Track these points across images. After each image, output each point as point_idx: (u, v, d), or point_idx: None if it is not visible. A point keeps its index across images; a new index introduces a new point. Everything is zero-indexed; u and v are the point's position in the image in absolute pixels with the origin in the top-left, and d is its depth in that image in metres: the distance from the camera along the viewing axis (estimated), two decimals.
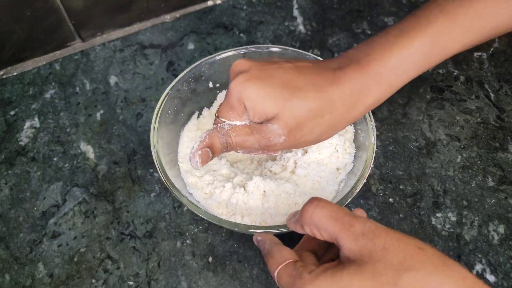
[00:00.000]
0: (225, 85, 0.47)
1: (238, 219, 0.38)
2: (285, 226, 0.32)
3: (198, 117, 0.46)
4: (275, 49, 0.44)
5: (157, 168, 0.37)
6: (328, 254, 0.31)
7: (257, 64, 0.34)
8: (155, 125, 0.39)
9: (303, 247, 0.32)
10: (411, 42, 0.35)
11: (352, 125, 0.42)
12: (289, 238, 0.38)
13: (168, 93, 0.41)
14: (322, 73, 0.34)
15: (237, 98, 0.32)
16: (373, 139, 0.38)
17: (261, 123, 0.34)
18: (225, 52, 0.44)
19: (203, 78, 0.45)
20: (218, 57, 0.44)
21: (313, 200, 0.28)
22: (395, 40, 0.35)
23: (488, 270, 0.39)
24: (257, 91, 0.32)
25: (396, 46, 0.35)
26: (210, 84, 0.46)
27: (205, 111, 0.46)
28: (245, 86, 0.32)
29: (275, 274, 0.28)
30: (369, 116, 0.39)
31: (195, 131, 0.45)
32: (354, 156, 0.41)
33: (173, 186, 0.36)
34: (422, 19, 0.36)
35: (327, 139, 0.36)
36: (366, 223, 0.26)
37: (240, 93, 0.32)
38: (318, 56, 0.45)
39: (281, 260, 0.28)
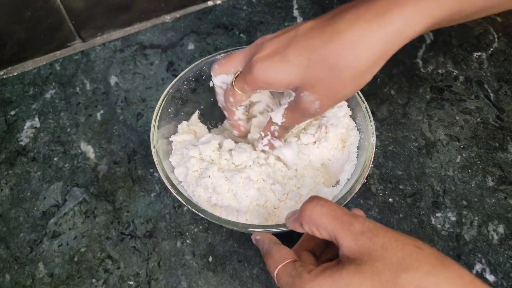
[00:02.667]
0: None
1: (239, 218, 0.38)
2: (284, 225, 0.32)
3: (199, 117, 0.46)
4: None
5: (158, 167, 0.37)
6: (326, 254, 0.31)
7: (275, 37, 0.33)
8: (155, 124, 0.39)
9: (302, 246, 0.32)
10: None
11: (358, 132, 0.42)
12: (288, 238, 0.38)
13: (168, 92, 0.41)
14: (343, 14, 0.30)
15: (255, 78, 0.33)
16: (373, 140, 0.38)
17: (293, 97, 0.35)
18: (225, 52, 0.44)
19: (203, 78, 0.45)
20: (218, 57, 0.44)
21: (313, 199, 0.28)
22: None
23: (487, 270, 0.39)
24: (275, 69, 0.32)
25: None
26: (210, 84, 0.46)
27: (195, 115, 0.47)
28: (263, 66, 0.32)
29: (275, 274, 0.28)
30: (369, 116, 0.39)
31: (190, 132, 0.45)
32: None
33: (173, 185, 0.36)
34: None
35: (363, 85, 0.33)
36: (365, 222, 0.26)
37: (259, 74, 0.33)
38: None
39: (280, 260, 0.28)
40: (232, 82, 0.36)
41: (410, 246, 0.24)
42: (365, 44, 0.29)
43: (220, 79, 0.39)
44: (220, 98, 0.41)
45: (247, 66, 0.34)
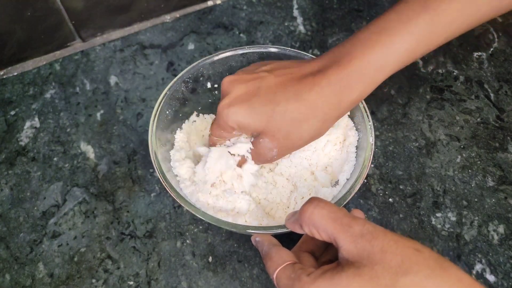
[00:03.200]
0: None
1: (238, 220, 0.38)
2: (283, 226, 0.32)
3: (198, 115, 0.46)
4: (273, 49, 0.44)
5: (156, 169, 0.37)
6: (326, 255, 0.31)
7: (240, 83, 0.36)
8: (153, 125, 0.39)
9: (301, 248, 0.32)
10: (392, 39, 0.35)
11: (357, 132, 0.42)
12: (288, 239, 0.38)
13: (166, 93, 0.41)
14: (302, 80, 0.35)
15: (224, 121, 0.36)
16: (371, 140, 0.38)
17: (254, 139, 0.38)
18: (223, 52, 0.44)
19: (201, 79, 0.45)
20: (216, 57, 0.44)
21: (313, 200, 0.28)
22: (376, 37, 0.35)
23: (488, 270, 0.39)
24: (242, 114, 0.35)
25: (378, 44, 0.35)
26: (209, 85, 0.46)
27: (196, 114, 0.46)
28: (230, 111, 0.35)
29: (274, 276, 0.28)
30: (367, 116, 0.39)
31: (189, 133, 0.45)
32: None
33: (171, 187, 0.36)
34: (403, 16, 0.35)
35: (319, 137, 0.38)
36: (364, 225, 0.26)
37: (227, 117, 0.35)
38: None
39: (280, 262, 0.28)
40: (209, 131, 0.39)
41: (409, 249, 0.24)
42: (321, 105, 0.35)
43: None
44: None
45: (217, 112, 0.37)
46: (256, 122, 0.35)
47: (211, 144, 0.40)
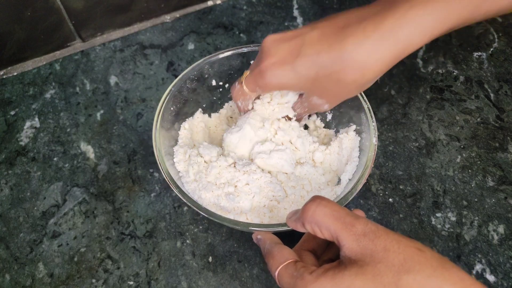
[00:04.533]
0: (227, 84, 0.47)
1: (240, 217, 0.38)
2: (285, 224, 0.32)
3: (202, 113, 0.46)
4: None
5: (159, 166, 0.37)
6: (327, 254, 0.31)
7: (283, 42, 0.35)
8: (157, 122, 0.39)
9: (303, 246, 0.32)
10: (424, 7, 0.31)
11: (360, 131, 0.42)
12: (289, 238, 0.38)
13: (171, 90, 0.42)
14: (346, 29, 0.32)
15: (267, 82, 0.35)
16: (374, 140, 0.38)
17: (302, 95, 0.38)
18: (228, 51, 0.44)
19: (206, 77, 0.45)
20: (221, 55, 0.44)
21: (316, 199, 0.28)
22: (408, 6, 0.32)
23: (488, 270, 0.39)
24: (286, 77, 0.34)
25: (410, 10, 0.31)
26: (213, 82, 0.46)
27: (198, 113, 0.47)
28: (274, 73, 0.34)
29: (276, 274, 0.28)
30: (371, 117, 0.39)
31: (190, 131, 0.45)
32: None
33: (175, 184, 0.36)
34: None
35: (367, 87, 0.36)
36: (367, 224, 0.26)
37: (271, 79, 0.35)
38: None
39: (282, 260, 0.28)
40: (242, 82, 0.38)
41: (411, 249, 0.25)
42: (371, 64, 0.32)
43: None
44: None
45: (257, 70, 0.35)
46: (301, 84, 0.35)
47: (242, 109, 0.40)
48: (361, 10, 0.34)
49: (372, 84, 0.35)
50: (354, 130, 0.42)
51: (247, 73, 0.38)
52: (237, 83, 0.39)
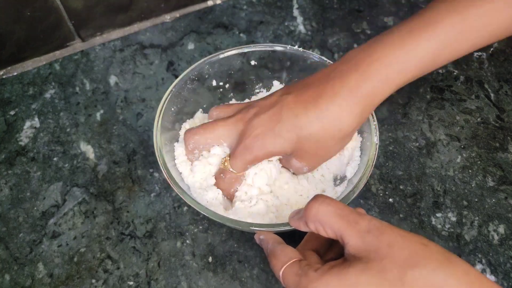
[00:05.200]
0: (227, 84, 0.47)
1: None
2: (287, 224, 0.32)
3: (203, 112, 0.46)
4: (279, 48, 0.44)
5: (160, 166, 0.37)
6: (330, 253, 0.31)
7: (262, 113, 0.36)
8: (158, 122, 0.39)
9: (306, 246, 0.32)
10: (416, 42, 0.34)
11: (361, 131, 0.42)
12: (291, 238, 0.38)
13: (171, 90, 0.41)
14: (322, 94, 0.35)
15: (255, 154, 0.36)
16: (376, 139, 0.38)
17: (283, 158, 0.39)
18: (229, 51, 0.44)
19: (206, 77, 0.45)
20: (221, 56, 0.44)
21: (318, 197, 0.28)
22: (399, 40, 0.34)
23: (488, 270, 0.39)
24: (271, 144, 0.36)
25: (400, 46, 0.34)
26: (214, 83, 0.46)
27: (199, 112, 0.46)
28: (261, 144, 0.36)
29: (280, 273, 0.28)
30: (372, 116, 0.39)
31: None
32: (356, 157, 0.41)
33: (176, 184, 0.36)
34: (429, 19, 0.35)
35: (345, 146, 0.39)
36: (371, 221, 0.26)
37: (259, 150, 0.36)
38: None
39: (286, 259, 0.28)
40: (227, 167, 0.38)
41: (416, 244, 0.25)
42: (344, 117, 0.34)
43: (196, 146, 0.40)
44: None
45: (242, 147, 0.36)
46: (285, 148, 0.36)
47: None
48: (329, 70, 0.36)
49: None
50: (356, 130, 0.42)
51: (225, 159, 0.38)
52: (190, 133, 0.39)
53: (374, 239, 0.25)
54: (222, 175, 0.38)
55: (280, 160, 0.40)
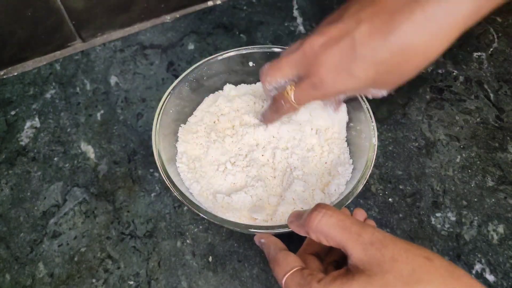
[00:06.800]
0: (225, 84, 0.47)
1: (241, 219, 0.38)
2: (286, 226, 0.32)
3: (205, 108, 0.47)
4: (276, 49, 0.44)
5: (159, 167, 0.37)
6: (331, 256, 0.31)
7: (331, 46, 0.32)
8: (157, 124, 0.39)
9: (307, 250, 0.32)
10: None
11: (360, 131, 0.42)
12: (289, 239, 0.38)
13: (170, 92, 0.42)
14: (405, 21, 0.29)
15: (332, 91, 0.33)
16: (374, 140, 0.38)
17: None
18: (228, 52, 0.44)
19: (205, 78, 0.45)
20: (220, 57, 0.44)
21: (320, 208, 0.27)
22: None
23: (487, 270, 0.39)
24: (350, 83, 0.32)
25: None
26: (213, 84, 0.46)
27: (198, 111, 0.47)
28: (334, 83, 0.32)
29: (283, 282, 0.28)
30: (370, 117, 0.39)
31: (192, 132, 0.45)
32: (354, 156, 0.41)
33: (175, 185, 0.36)
34: None
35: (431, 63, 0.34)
36: (374, 233, 0.26)
37: (330, 88, 0.33)
38: None
39: (288, 268, 0.28)
40: (289, 97, 0.36)
41: (420, 258, 0.24)
42: (435, 43, 0.29)
43: (273, 86, 0.38)
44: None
45: (310, 83, 0.33)
46: (360, 87, 0.33)
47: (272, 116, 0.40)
48: None
49: None
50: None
51: (291, 88, 0.35)
52: (265, 74, 0.37)
53: (377, 252, 0.25)
54: (282, 101, 0.36)
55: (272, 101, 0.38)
